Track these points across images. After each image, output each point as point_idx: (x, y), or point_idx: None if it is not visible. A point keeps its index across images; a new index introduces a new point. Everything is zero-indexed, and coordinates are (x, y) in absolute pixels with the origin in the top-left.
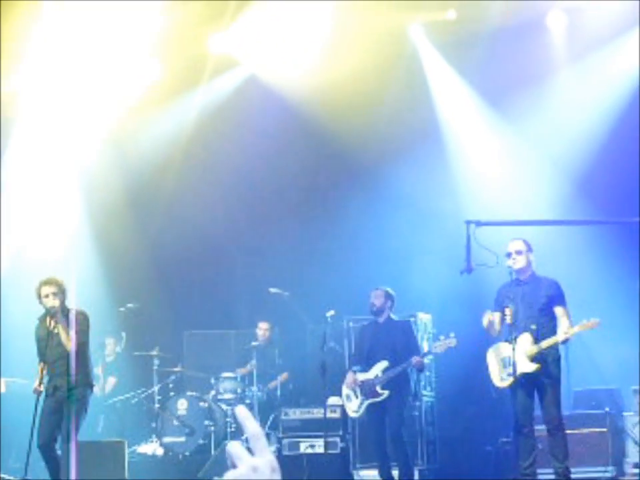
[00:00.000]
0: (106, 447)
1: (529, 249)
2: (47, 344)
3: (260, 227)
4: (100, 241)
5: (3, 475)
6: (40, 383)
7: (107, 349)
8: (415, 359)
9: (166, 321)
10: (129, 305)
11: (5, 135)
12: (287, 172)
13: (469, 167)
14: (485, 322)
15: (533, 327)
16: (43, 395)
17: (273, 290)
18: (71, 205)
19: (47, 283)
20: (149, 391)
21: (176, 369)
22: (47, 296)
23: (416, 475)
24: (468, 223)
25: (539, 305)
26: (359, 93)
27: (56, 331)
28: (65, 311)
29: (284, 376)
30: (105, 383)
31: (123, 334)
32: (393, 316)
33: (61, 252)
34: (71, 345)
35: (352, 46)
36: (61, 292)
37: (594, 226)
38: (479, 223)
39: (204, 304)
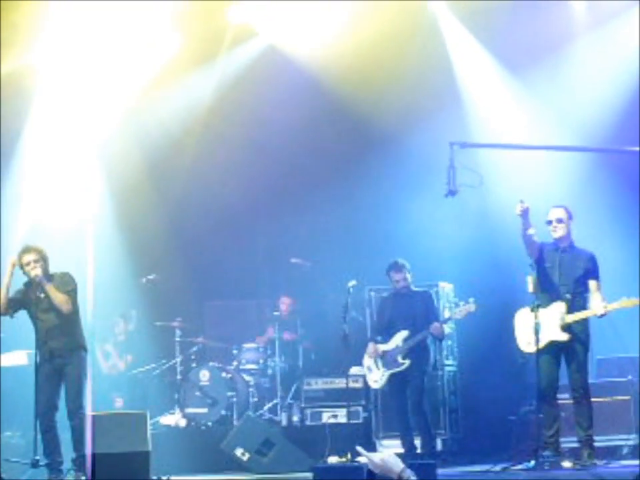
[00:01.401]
0: (128, 418)
1: (570, 217)
2: (35, 311)
3: (280, 197)
4: (120, 213)
5: (10, 458)
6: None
7: (117, 328)
8: (434, 326)
9: (187, 292)
10: (150, 276)
11: (25, 108)
12: (307, 142)
13: (488, 134)
14: (530, 288)
15: (568, 296)
16: (39, 362)
17: (294, 260)
18: (91, 177)
19: (27, 251)
20: (171, 362)
21: (198, 340)
22: (28, 264)
23: (439, 445)
24: (452, 144)
25: (575, 275)
26: (379, 62)
27: (43, 295)
28: (48, 277)
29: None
30: (119, 361)
31: (134, 312)
32: (413, 287)
33: (81, 225)
34: (67, 306)
35: (371, 14)
36: (42, 259)
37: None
38: (463, 145)
39: (225, 274)
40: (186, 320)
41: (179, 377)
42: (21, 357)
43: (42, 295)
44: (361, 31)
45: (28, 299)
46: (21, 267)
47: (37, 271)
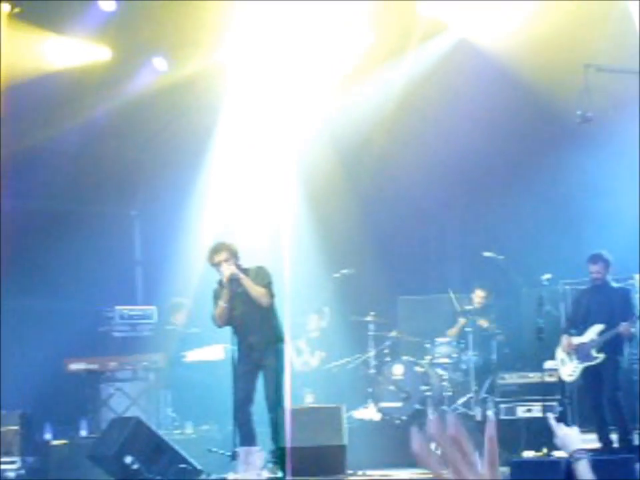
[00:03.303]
0: (323, 412)
1: None
2: (232, 306)
3: (472, 191)
4: (313, 208)
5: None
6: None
7: (310, 325)
8: (622, 326)
9: (380, 286)
10: (344, 271)
11: (216, 107)
12: (499, 136)
13: None
14: None
15: None
16: (238, 356)
17: (487, 254)
18: (285, 174)
19: (217, 250)
20: (365, 356)
21: (391, 334)
22: (219, 264)
23: (635, 439)
24: (587, 66)
25: None
26: (571, 50)
27: (240, 290)
28: (244, 272)
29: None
30: (311, 358)
31: (326, 309)
32: (612, 283)
33: (275, 222)
34: (266, 299)
35: (559, 1)
36: (233, 256)
37: None
38: (598, 68)
39: (418, 269)
40: (379, 314)
41: (372, 371)
42: (217, 352)
43: (239, 290)
44: (552, 18)
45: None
46: (213, 265)
47: (231, 269)
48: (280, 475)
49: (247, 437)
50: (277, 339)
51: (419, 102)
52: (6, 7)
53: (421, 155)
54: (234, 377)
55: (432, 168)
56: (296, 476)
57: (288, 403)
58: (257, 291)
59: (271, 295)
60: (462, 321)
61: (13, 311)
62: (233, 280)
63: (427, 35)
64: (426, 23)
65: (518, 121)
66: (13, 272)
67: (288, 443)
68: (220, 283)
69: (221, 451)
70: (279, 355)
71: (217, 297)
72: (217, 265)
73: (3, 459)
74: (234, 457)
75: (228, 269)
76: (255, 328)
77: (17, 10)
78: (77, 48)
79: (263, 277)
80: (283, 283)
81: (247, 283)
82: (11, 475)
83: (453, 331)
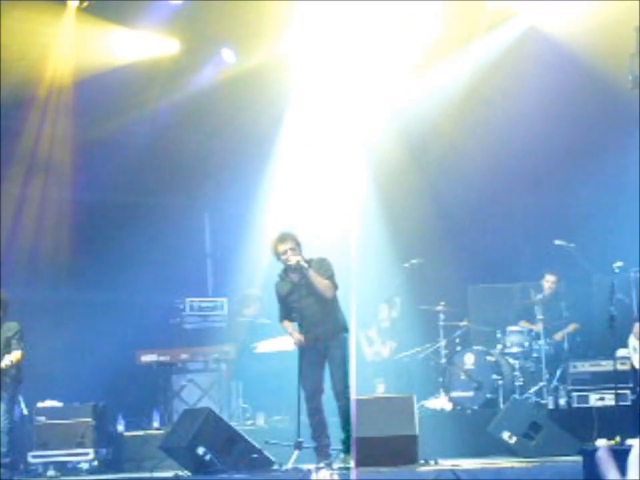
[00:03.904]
0: (395, 402)
1: None
2: (296, 298)
3: (540, 177)
4: (382, 198)
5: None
6: (298, 334)
7: (381, 314)
8: None
9: (450, 276)
10: (413, 261)
11: (282, 98)
12: (566, 122)
13: None
14: None
15: None
16: (303, 347)
17: (557, 242)
18: (352, 164)
19: (283, 239)
20: (436, 346)
21: (462, 323)
22: (285, 252)
23: None
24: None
25: None
26: None
27: (301, 282)
28: (308, 263)
29: (573, 327)
30: (382, 348)
31: (397, 299)
32: None
33: (344, 212)
34: (330, 291)
35: None
36: (298, 245)
37: None
38: None
39: (487, 257)
40: (450, 304)
41: (443, 360)
42: (288, 342)
43: (302, 282)
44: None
45: (287, 283)
46: (277, 255)
47: (297, 257)
48: (351, 464)
49: (319, 427)
50: (341, 328)
51: (486, 90)
52: (74, 2)
53: (488, 143)
54: (301, 367)
55: (500, 156)
56: (368, 466)
57: (353, 393)
58: (321, 283)
59: (335, 287)
60: (572, 326)
61: (84, 304)
62: (297, 270)
63: (494, 23)
64: (494, 11)
65: (585, 107)
66: (85, 265)
67: (354, 432)
68: (281, 276)
69: (286, 443)
70: (344, 344)
71: (279, 290)
72: (281, 254)
73: (76, 451)
74: (298, 446)
75: (294, 257)
76: (319, 319)
77: (85, 4)
78: (145, 41)
79: (325, 269)
80: (351, 274)
81: (312, 274)
82: (85, 466)
83: (559, 335)
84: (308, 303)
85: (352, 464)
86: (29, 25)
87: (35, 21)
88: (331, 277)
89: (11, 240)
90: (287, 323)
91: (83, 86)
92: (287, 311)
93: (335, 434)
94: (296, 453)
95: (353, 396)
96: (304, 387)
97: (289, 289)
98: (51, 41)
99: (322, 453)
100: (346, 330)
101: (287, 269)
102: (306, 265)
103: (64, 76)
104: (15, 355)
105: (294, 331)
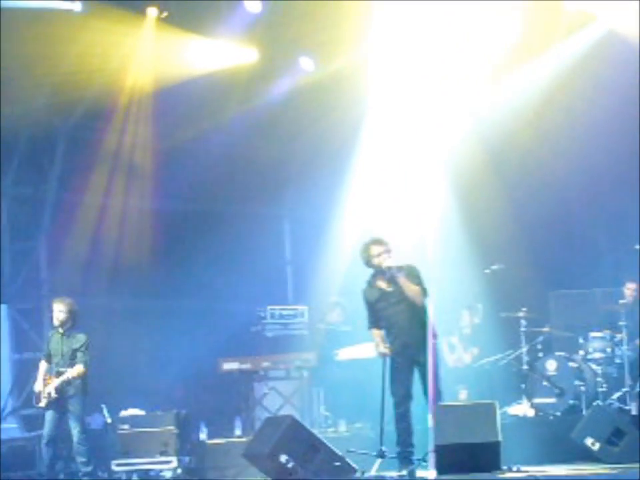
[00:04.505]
0: (478, 408)
1: None
2: (385, 305)
3: (620, 183)
4: (462, 204)
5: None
6: (384, 345)
7: (462, 321)
8: None
9: (531, 281)
10: (494, 267)
11: (361, 102)
12: None
13: None
14: None
15: None
16: (392, 354)
17: (638, 247)
18: (431, 169)
19: (378, 242)
20: (517, 353)
21: (543, 330)
22: (379, 255)
23: None
24: None
25: None
26: None
27: (390, 289)
28: (399, 269)
29: None
30: (464, 354)
31: (480, 305)
32: None
33: (424, 218)
34: (420, 298)
35: None
36: (388, 251)
37: None
38: None
39: (568, 263)
40: (531, 310)
41: (525, 367)
42: (367, 350)
43: (390, 289)
44: None
45: (376, 289)
46: (369, 258)
47: (390, 262)
48: (435, 471)
49: (405, 433)
50: (430, 335)
51: (565, 96)
52: (153, 12)
53: (567, 148)
54: (390, 374)
55: (579, 161)
56: (451, 472)
57: (430, 399)
58: (412, 289)
59: (425, 294)
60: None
61: (166, 312)
62: (389, 274)
63: (574, 27)
64: (573, 15)
65: None
66: (166, 273)
67: (434, 439)
68: (369, 282)
69: (368, 452)
70: (434, 351)
71: (367, 297)
72: (374, 257)
73: (159, 459)
74: (382, 455)
75: (386, 261)
76: (408, 326)
77: (164, 14)
78: (224, 50)
79: (415, 275)
80: (431, 280)
81: (404, 280)
82: (168, 474)
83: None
84: (398, 310)
85: (437, 471)
86: (109, 35)
87: (115, 31)
88: (420, 284)
89: (93, 249)
90: (375, 332)
91: (162, 95)
92: (376, 318)
93: (421, 441)
94: (379, 461)
95: (430, 403)
96: (394, 393)
97: (378, 296)
98: (131, 51)
99: (404, 460)
100: (435, 336)
101: (377, 274)
102: (393, 271)
103: (144, 86)
104: (76, 370)
105: (381, 341)
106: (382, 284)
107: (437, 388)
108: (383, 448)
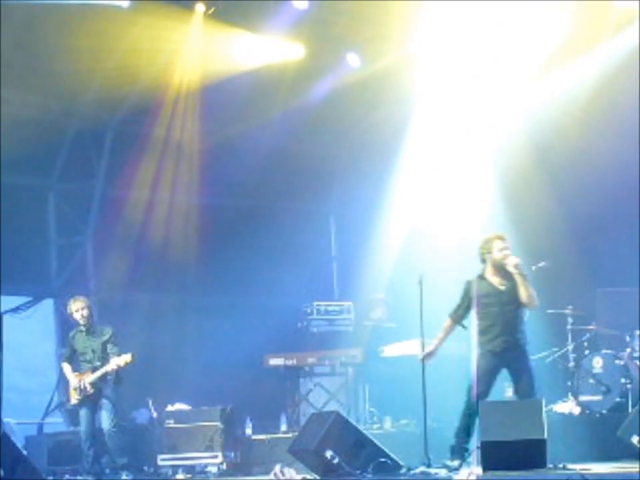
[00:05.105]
0: (524, 406)
1: None
2: (494, 301)
3: None
4: (510, 201)
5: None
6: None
7: None
8: None
9: (578, 279)
10: (540, 264)
11: (408, 102)
12: None
13: None
14: None
15: None
16: (482, 352)
17: None
18: (479, 167)
19: (502, 238)
20: (563, 350)
21: (590, 327)
22: (501, 250)
23: None
24: None
25: None
26: None
27: (503, 287)
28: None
29: None
30: None
31: None
32: None
33: (471, 214)
34: (535, 301)
35: None
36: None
37: None
38: None
39: (615, 260)
40: (578, 307)
41: (571, 364)
42: (414, 346)
43: (503, 287)
44: None
45: (486, 284)
46: (489, 252)
47: (517, 259)
48: (480, 467)
49: (467, 429)
50: (526, 341)
51: (613, 92)
52: (201, 8)
53: (615, 146)
54: (478, 372)
55: (626, 158)
56: (495, 469)
57: (473, 397)
58: (529, 291)
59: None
60: None
61: (213, 308)
62: (509, 270)
63: (621, 26)
64: (621, 14)
65: None
66: (212, 269)
67: (480, 435)
68: (481, 276)
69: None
70: (526, 357)
71: (474, 288)
72: (498, 251)
73: (205, 454)
74: (428, 464)
75: (514, 258)
76: (513, 327)
77: (211, 10)
78: (271, 46)
79: (525, 277)
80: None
81: (524, 280)
82: (213, 469)
83: None
84: (506, 310)
85: (482, 468)
86: (157, 31)
87: (163, 27)
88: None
89: (139, 245)
90: (449, 322)
91: (210, 91)
92: (463, 312)
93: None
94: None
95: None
96: (478, 389)
97: (487, 291)
98: (179, 46)
99: (457, 453)
100: (527, 342)
101: (498, 268)
102: (518, 268)
103: (191, 81)
104: (123, 359)
105: (439, 339)
106: (495, 280)
107: (533, 392)
108: (430, 456)
